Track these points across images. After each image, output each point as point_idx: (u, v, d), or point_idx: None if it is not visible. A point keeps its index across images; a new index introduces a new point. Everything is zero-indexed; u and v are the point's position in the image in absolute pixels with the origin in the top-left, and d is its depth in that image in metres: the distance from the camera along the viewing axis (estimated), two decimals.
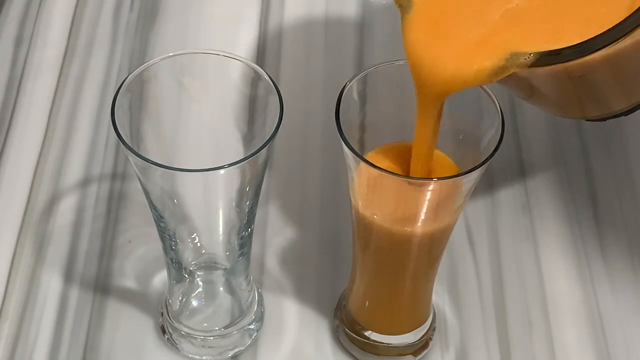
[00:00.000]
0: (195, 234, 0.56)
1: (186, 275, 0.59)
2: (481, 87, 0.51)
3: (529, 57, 0.48)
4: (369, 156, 0.53)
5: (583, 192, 0.69)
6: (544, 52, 0.48)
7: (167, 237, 0.56)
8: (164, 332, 0.61)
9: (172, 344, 0.61)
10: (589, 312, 0.63)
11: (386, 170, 0.48)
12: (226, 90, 0.54)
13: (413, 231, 0.52)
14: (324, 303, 0.63)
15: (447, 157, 0.53)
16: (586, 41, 0.47)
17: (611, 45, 0.47)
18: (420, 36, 0.49)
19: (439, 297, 0.63)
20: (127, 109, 0.52)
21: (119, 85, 0.51)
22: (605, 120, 0.59)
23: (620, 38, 0.47)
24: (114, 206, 0.67)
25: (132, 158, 0.50)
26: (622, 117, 0.58)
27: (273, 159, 0.69)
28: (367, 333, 0.60)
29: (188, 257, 0.58)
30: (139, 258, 0.65)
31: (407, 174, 0.52)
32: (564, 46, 0.48)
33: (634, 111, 0.58)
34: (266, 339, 0.62)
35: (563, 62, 0.48)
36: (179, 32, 0.78)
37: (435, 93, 0.49)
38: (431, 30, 0.50)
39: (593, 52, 0.47)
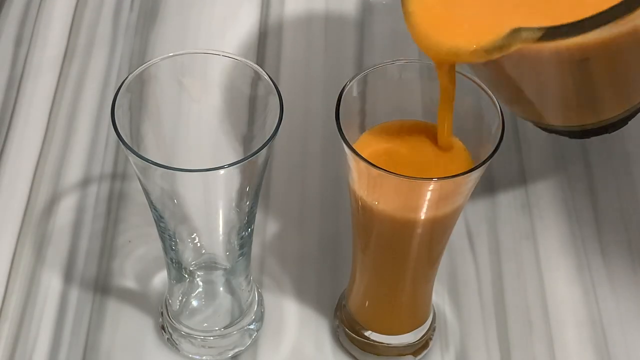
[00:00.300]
0: (195, 234, 0.56)
1: (186, 275, 0.59)
2: (481, 87, 0.51)
3: (534, 32, 0.49)
4: (364, 137, 0.53)
5: (583, 192, 0.69)
6: (550, 27, 0.49)
7: (167, 237, 0.56)
8: (164, 332, 0.61)
9: (172, 344, 0.61)
10: (589, 312, 0.63)
11: (387, 171, 0.48)
12: (226, 90, 0.54)
13: (413, 228, 0.52)
14: (324, 303, 0.63)
15: (465, 148, 0.53)
16: (588, 18, 0.49)
17: (611, 24, 0.49)
18: (422, 9, 0.51)
19: (439, 297, 0.63)
20: (127, 109, 0.52)
21: (119, 85, 0.51)
22: (588, 135, 0.60)
23: (621, 16, 0.49)
24: (114, 206, 0.67)
25: (132, 158, 0.50)
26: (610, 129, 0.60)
27: (273, 159, 0.69)
28: (367, 333, 0.60)
29: (188, 257, 0.58)
30: (139, 258, 0.65)
31: (405, 152, 0.52)
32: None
33: (618, 126, 0.59)
34: (266, 339, 0.62)
35: (567, 37, 0.49)
36: (179, 32, 0.78)
37: (441, 60, 0.51)
38: (433, 3, 0.51)
39: (594, 28, 0.49)
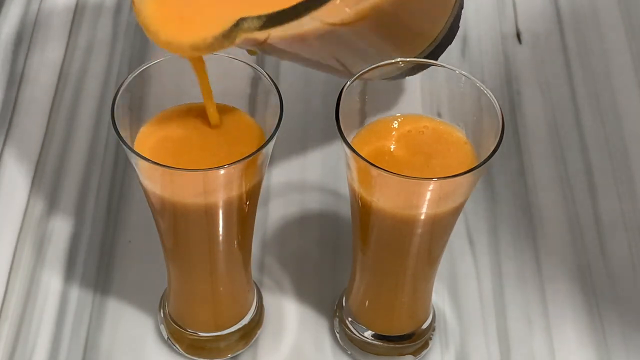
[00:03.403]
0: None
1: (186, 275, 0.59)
2: (481, 87, 0.51)
3: (255, 21, 0.50)
4: (363, 134, 0.53)
5: (583, 192, 0.69)
6: (268, 14, 0.50)
7: (167, 236, 0.56)
8: (164, 332, 0.61)
9: (172, 344, 0.61)
10: (589, 311, 0.63)
11: (387, 170, 0.48)
12: (226, 90, 0.54)
13: (413, 227, 0.52)
14: (324, 303, 0.63)
15: (469, 143, 0.53)
16: (300, 2, 0.50)
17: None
18: (153, 9, 0.51)
19: (439, 297, 0.63)
20: (127, 109, 0.52)
21: (119, 85, 0.51)
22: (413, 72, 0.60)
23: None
24: (114, 206, 0.67)
25: (132, 158, 0.50)
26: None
27: (273, 159, 0.69)
28: (367, 333, 0.60)
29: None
30: (139, 258, 0.65)
31: (405, 148, 0.52)
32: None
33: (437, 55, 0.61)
34: (266, 339, 0.62)
35: (286, 22, 0.50)
36: None
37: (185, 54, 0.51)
38: (163, 3, 0.52)
39: (308, 11, 0.50)
